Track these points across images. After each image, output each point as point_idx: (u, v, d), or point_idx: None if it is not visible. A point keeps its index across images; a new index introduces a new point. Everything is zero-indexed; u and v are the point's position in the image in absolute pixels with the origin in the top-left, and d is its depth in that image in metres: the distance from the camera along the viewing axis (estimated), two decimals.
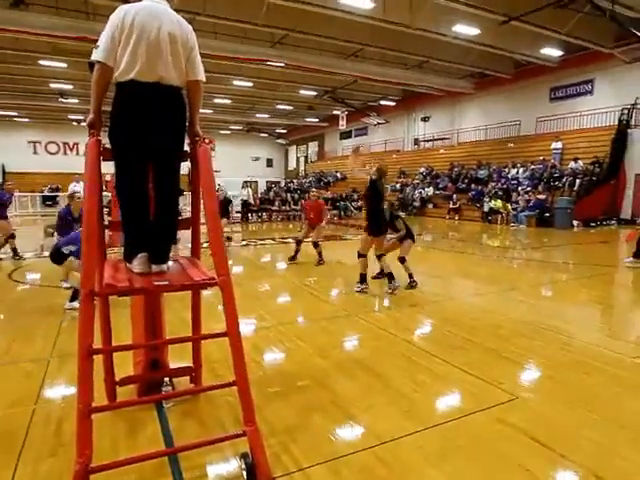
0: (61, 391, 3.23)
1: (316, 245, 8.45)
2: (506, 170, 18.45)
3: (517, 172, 17.91)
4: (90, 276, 1.99)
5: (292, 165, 37.96)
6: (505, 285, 6.77)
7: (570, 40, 14.07)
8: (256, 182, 34.11)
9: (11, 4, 11.95)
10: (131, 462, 2.06)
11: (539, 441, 2.55)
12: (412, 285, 6.23)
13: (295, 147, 37.32)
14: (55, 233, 6.65)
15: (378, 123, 25.52)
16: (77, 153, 31.93)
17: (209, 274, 2.30)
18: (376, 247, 6.11)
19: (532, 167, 17.35)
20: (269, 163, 38.26)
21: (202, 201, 2.53)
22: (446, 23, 13.38)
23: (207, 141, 2.50)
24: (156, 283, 2.15)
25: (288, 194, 21.39)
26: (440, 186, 20.62)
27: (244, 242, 12.60)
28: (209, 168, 2.35)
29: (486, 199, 17.37)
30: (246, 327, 4.55)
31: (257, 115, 29.30)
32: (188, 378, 3.08)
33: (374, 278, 6.67)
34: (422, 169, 22.72)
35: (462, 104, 22.14)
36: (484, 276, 7.66)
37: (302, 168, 35.71)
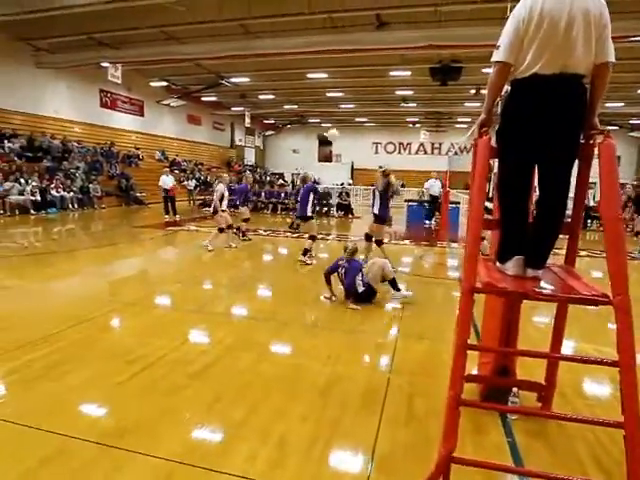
0: (409, 367, 3.56)
1: None
2: None
3: None
4: (472, 273, 2.02)
5: None
6: None
7: None
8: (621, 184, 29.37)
9: (377, 26, 14.04)
10: (489, 467, 2.02)
11: None
12: None
13: None
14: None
15: None
16: (409, 152, 35.38)
17: (599, 289, 1.98)
18: None
19: None
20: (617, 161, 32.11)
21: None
22: None
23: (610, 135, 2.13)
24: (538, 290, 2.00)
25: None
26: None
27: None
28: (613, 168, 2.00)
29: None
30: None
31: (607, 104, 25.01)
32: (533, 394, 2.86)
33: None
34: None
35: None
36: None
37: None
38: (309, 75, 19.59)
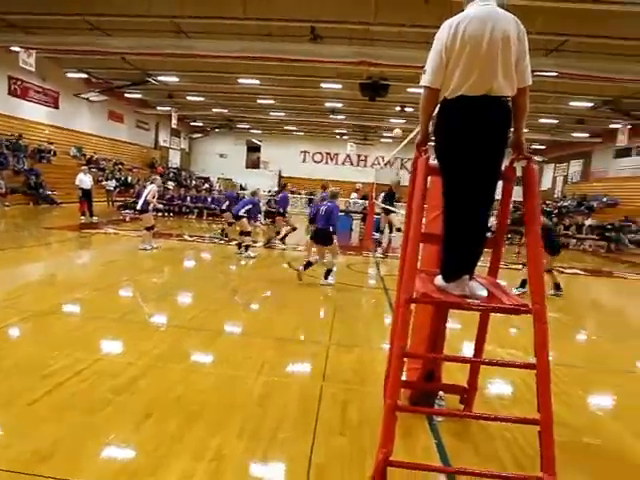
0: (341, 375, 3.63)
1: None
2: None
3: None
4: (410, 285, 2.13)
5: (546, 185, 34.21)
6: None
7: None
8: (498, 201, 32.08)
9: (311, 39, 14.30)
10: (423, 469, 2.13)
11: None
12: None
13: (553, 165, 33.52)
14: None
15: None
16: (336, 162, 36.19)
17: (520, 300, 2.17)
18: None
19: None
20: (517, 182, 35.36)
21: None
22: None
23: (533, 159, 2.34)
24: (469, 301, 2.15)
25: (542, 217, 19.33)
26: None
27: None
28: (535, 189, 2.22)
29: None
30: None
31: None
32: (456, 397, 3.05)
33: None
34: None
35: None
36: None
37: (559, 189, 31.81)
38: (241, 80, 19.38)
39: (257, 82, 19.54)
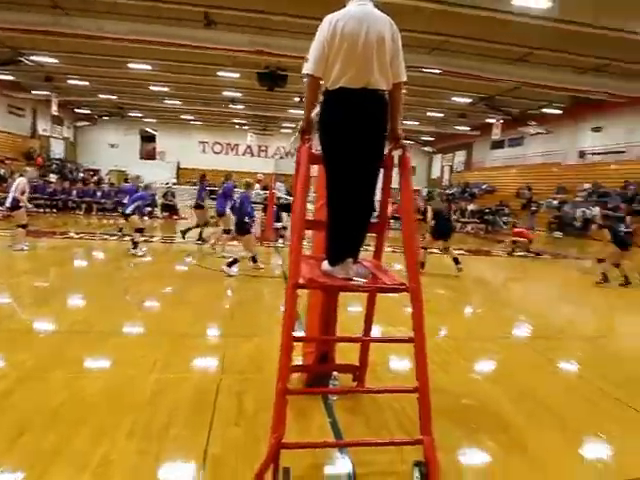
0: (239, 366, 3.62)
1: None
2: None
3: None
4: (297, 270, 2.19)
5: (436, 174, 36.98)
6: None
7: None
8: (396, 189, 34.06)
9: (205, 25, 13.79)
10: (314, 446, 2.22)
11: None
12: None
13: (440, 156, 36.29)
14: None
15: (537, 133, 23.40)
16: (236, 153, 35.55)
17: (399, 279, 2.34)
18: None
19: None
20: (412, 171, 37.83)
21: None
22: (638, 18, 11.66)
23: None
24: (353, 283, 2.27)
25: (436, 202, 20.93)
26: (609, 206, 18.09)
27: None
28: (409, 176, 2.39)
29: None
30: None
31: (405, 122, 29.20)
32: (349, 375, 3.21)
33: None
34: (587, 185, 20.21)
35: None
36: None
37: (446, 177, 34.55)
38: (130, 65, 18.09)
39: (148, 67, 18.39)
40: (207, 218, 11.01)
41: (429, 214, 8.50)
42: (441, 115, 26.36)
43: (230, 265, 7.10)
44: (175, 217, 17.37)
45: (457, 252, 8.91)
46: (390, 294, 2.45)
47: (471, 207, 20.94)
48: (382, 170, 2.69)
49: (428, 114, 26.06)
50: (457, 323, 5.54)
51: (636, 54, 14.29)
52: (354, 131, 2.40)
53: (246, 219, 7.15)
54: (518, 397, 3.35)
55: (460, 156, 33.58)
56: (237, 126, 33.44)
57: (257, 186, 16.62)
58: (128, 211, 8.65)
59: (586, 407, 3.27)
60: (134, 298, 5.67)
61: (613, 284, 7.94)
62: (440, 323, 5.42)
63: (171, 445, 2.49)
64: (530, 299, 7.29)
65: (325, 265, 2.46)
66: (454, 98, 21.75)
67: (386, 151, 2.66)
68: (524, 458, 2.56)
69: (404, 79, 2.55)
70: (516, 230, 12.48)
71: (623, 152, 20.07)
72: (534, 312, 6.16)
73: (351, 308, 5.33)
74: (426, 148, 36.17)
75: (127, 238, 9.54)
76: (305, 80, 2.54)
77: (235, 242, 8.57)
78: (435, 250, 9.07)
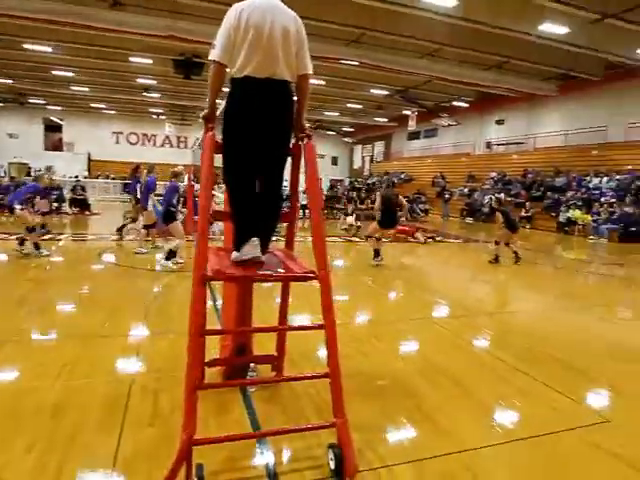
0: (154, 365, 3.48)
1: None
2: (587, 179, 17.32)
3: (600, 182, 16.76)
4: (202, 262, 2.13)
5: (357, 164, 37.91)
6: (584, 301, 6.40)
7: None
8: (320, 179, 34.46)
9: (110, 5, 12.88)
10: (228, 440, 2.19)
11: (634, 466, 2.40)
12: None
13: (361, 146, 37.23)
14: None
15: (449, 125, 24.82)
16: (154, 144, 33.87)
17: (308, 267, 2.37)
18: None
19: (618, 177, 16.16)
20: (334, 161, 38.49)
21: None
22: (531, 22, 12.73)
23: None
24: (260, 272, 2.26)
25: (354, 192, 21.45)
26: (512, 193, 19.72)
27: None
28: (315, 164, 2.42)
29: (563, 208, 16.42)
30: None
31: (326, 113, 29.53)
32: (269, 366, 3.22)
33: None
34: (493, 174, 21.85)
35: (541, 107, 21.01)
36: (560, 290, 7.27)
37: (367, 167, 35.56)
38: (27, 46, 16.46)
39: (49, 50, 16.86)
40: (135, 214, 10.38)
41: (377, 201, 8.16)
42: (360, 106, 27.01)
43: (168, 258, 7.03)
44: (87, 213, 16.24)
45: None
46: (303, 282, 2.46)
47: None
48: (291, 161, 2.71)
49: (348, 105, 26.59)
50: (375, 308, 5.76)
51: (530, 54, 15.63)
52: (259, 120, 2.40)
53: (171, 208, 7.09)
54: (430, 374, 3.56)
55: (379, 146, 34.70)
56: (154, 116, 31.85)
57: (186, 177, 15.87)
58: (16, 205, 7.64)
59: (489, 377, 3.56)
60: (37, 301, 5.22)
61: (507, 263, 8.73)
62: (361, 308, 5.61)
63: (77, 454, 2.34)
64: (441, 281, 7.74)
65: (234, 254, 2.43)
66: (372, 90, 22.37)
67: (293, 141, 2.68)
68: (434, 429, 2.73)
69: (310, 71, 2.58)
70: (399, 228, 12.30)
71: (523, 143, 21.92)
72: (444, 293, 6.56)
73: (279, 299, 5.36)
74: (347, 139, 36.93)
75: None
76: (211, 67, 2.49)
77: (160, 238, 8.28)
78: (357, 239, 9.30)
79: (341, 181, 28.76)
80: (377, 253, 8.10)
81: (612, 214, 14.70)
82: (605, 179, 16.65)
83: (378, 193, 8.66)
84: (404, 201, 8.74)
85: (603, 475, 2.38)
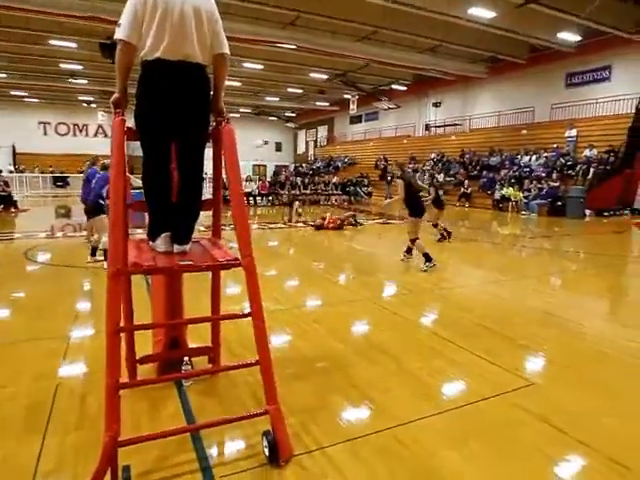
0: (82, 367, 3.30)
1: None
2: (519, 157, 18.24)
3: (530, 160, 17.70)
4: (117, 255, 2.01)
5: (301, 149, 37.75)
6: (516, 274, 6.75)
7: (589, 24, 13.72)
8: (265, 166, 34.06)
9: None
10: (156, 437, 2.11)
11: (556, 427, 2.56)
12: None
13: (304, 131, 37.06)
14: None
15: (389, 108, 25.20)
16: (86, 134, 31.99)
17: (232, 255, 2.31)
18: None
19: (545, 155, 17.14)
20: (278, 147, 38.10)
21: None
22: (461, 5, 13.09)
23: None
24: (181, 263, 2.17)
25: (298, 178, 21.34)
26: (451, 172, 20.44)
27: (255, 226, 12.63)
28: (234, 148, 2.34)
29: (497, 186, 17.22)
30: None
31: (267, 98, 29.08)
32: (206, 358, 3.14)
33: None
34: (433, 155, 22.51)
35: (474, 89, 21.80)
36: (495, 264, 7.63)
37: (311, 152, 35.50)
38: None
39: None
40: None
41: (401, 190, 6.76)
42: (301, 91, 26.80)
43: (94, 254, 6.74)
44: (13, 210, 15.09)
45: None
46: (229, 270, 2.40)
47: (335, 180, 21.85)
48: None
49: (289, 90, 26.30)
50: (317, 292, 5.77)
51: (461, 37, 16.11)
52: (173, 106, 2.29)
53: (100, 201, 6.64)
54: (368, 352, 3.62)
55: (323, 131, 34.70)
56: (85, 104, 30.00)
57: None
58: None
59: (425, 352, 3.67)
60: None
61: (451, 242, 9.10)
62: (302, 294, 5.61)
63: None
64: (384, 263, 7.89)
65: (150, 243, 2.34)
66: (312, 74, 22.23)
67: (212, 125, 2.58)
68: (370, 407, 2.78)
69: (226, 51, 2.47)
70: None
71: (460, 125, 22.69)
72: (387, 274, 6.69)
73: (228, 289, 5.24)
74: (290, 124, 36.60)
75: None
76: (118, 47, 2.33)
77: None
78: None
79: (286, 167, 28.56)
80: (428, 257, 6.56)
81: (541, 190, 15.59)
82: (534, 157, 17.61)
83: (400, 181, 6.77)
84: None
85: (527, 435, 2.52)
